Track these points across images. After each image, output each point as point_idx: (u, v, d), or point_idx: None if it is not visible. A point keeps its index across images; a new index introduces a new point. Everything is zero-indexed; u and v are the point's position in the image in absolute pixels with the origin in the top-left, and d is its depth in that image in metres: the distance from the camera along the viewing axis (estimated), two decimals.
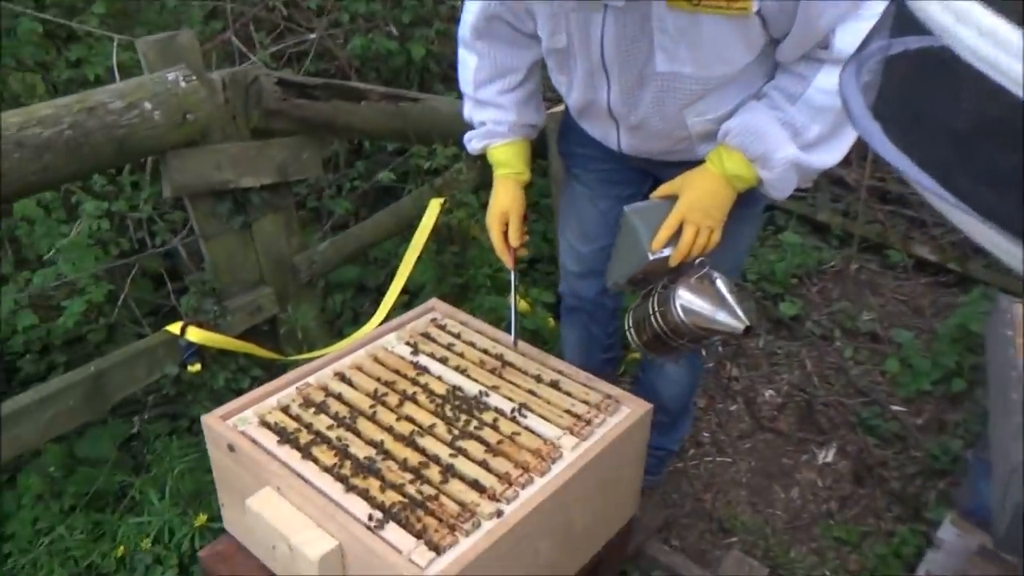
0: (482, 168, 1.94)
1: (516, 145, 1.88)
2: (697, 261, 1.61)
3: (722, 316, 1.55)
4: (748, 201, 1.67)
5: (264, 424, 1.69)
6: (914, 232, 3.79)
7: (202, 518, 2.17)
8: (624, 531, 1.94)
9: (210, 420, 1.68)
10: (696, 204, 1.57)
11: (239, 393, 1.90)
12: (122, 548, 2.19)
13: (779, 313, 3.35)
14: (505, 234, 1.87)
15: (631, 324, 1.70)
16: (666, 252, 1.60)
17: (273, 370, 2.35)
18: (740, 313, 1.55)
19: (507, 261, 1.89)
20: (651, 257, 1.60)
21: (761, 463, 2.74)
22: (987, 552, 1.74)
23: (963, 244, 3.65)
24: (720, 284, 1.59)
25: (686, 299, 1.58)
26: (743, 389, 3.05)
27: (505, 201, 1.86)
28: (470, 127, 1.92)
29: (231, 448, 1.62)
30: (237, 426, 1.68)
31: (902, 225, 3.78)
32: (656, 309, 1.63)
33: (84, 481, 2.29)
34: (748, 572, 2.06)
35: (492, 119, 1.86)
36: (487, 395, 1.78)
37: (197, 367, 2.14)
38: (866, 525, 2.50)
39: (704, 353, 1.69)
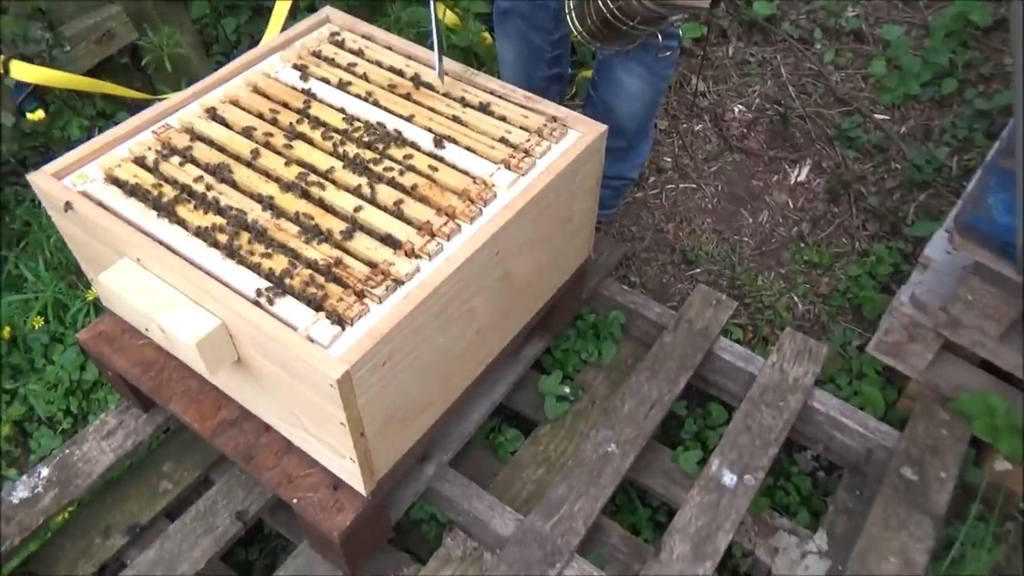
0: None
1: None
2: None
3: None
4: None
5: (112, 180, 1.32)
6: None
7: (95, 291, 1.87)
8: (578, 274, 1.69)
9: (39, 179, 1.30)
10: None
11: None
12: (8, 328, 1.91)
13: (752, 14, 2.88)
14: None
15: (571, 7, 1.32)
16: None
17: None
18: None
19: None
20: None
21: (728, 187, 2.47)
22: (984, 270, 1.53)
23: None
24: None
25: None
26: (710, 106, 2.69)
27: None
28: None
29: (68, 207, 1.26)
30: (76, 185, 1.30)
31: None
32: None
33: None
34: (715, 304, 1.86)
35: None
36: (399, 127, 1.40)
37: (39, 114, 1.69)
38: (839, 246, 2.30)
39: (660, 39, 1.33)
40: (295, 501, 1.32)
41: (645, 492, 1.75)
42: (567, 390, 1.78)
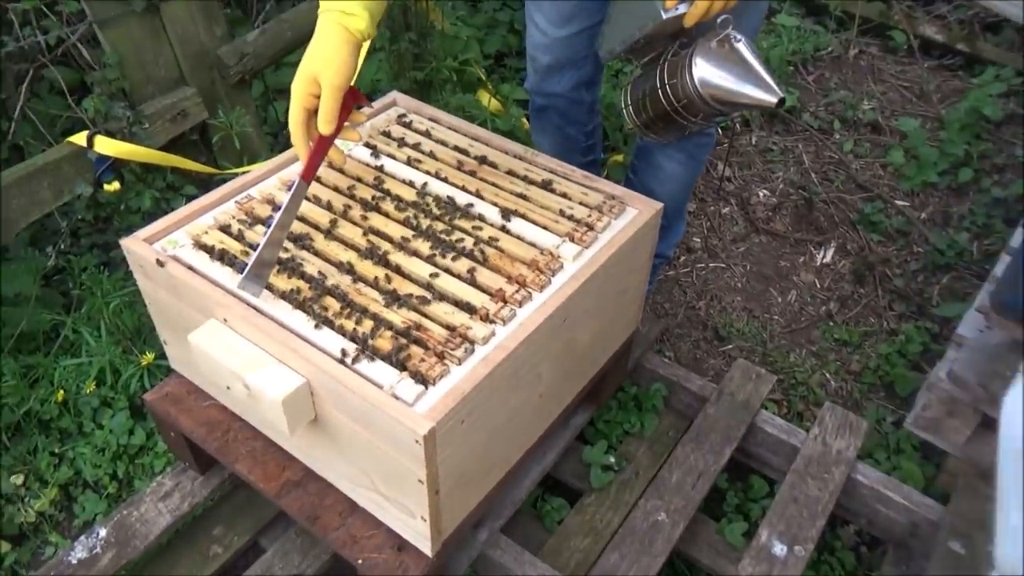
0: None
1: None
2: (720, 19, 1.29)
3: (750, 88, 1.28)
4: None
5: (200, 246, 1.40)
6: (918, 11, 3.43)
7: (149, 357, 1.93)
8: (627, 345, 1.75)
9: (131, 244, 1.38)
10: None
11: None
12: (62, 392, 1.95)
13: None
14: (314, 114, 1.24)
15: (628, 102, 1.42)
16: (681, 8, 1.28)
17: (210, 188, 2.01)
18: (772, 83, 1.27)
19: (301, 154, 1.28)
20: (664, 16, 1.28)
21: (756, 267, 2.56)
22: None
23: (972, 21, 3.31)
24: (743, 49, 1.29)
25: (705, 69, 1.29)
26: (735, 190, 2.81)
27: (318, 60, 1.20)
28: None
29: (160, 264, 1.33)
30: (166, 250, 1.38)
31: (905, 3, 3.40)
32: (665, 82, 1.33)
33: (7, 322, 2.01)
34: (755, 378, 1.91)
35: None
36: (468, 201, 1.50)
37: (115, 185, 1.79)
38: (868, 325, 2.37)
39: (718, 132, 1.43)
40: (360, 562, 1.34)
41: (691, 564, 1.76)
42: (612, 460, 1.81)
